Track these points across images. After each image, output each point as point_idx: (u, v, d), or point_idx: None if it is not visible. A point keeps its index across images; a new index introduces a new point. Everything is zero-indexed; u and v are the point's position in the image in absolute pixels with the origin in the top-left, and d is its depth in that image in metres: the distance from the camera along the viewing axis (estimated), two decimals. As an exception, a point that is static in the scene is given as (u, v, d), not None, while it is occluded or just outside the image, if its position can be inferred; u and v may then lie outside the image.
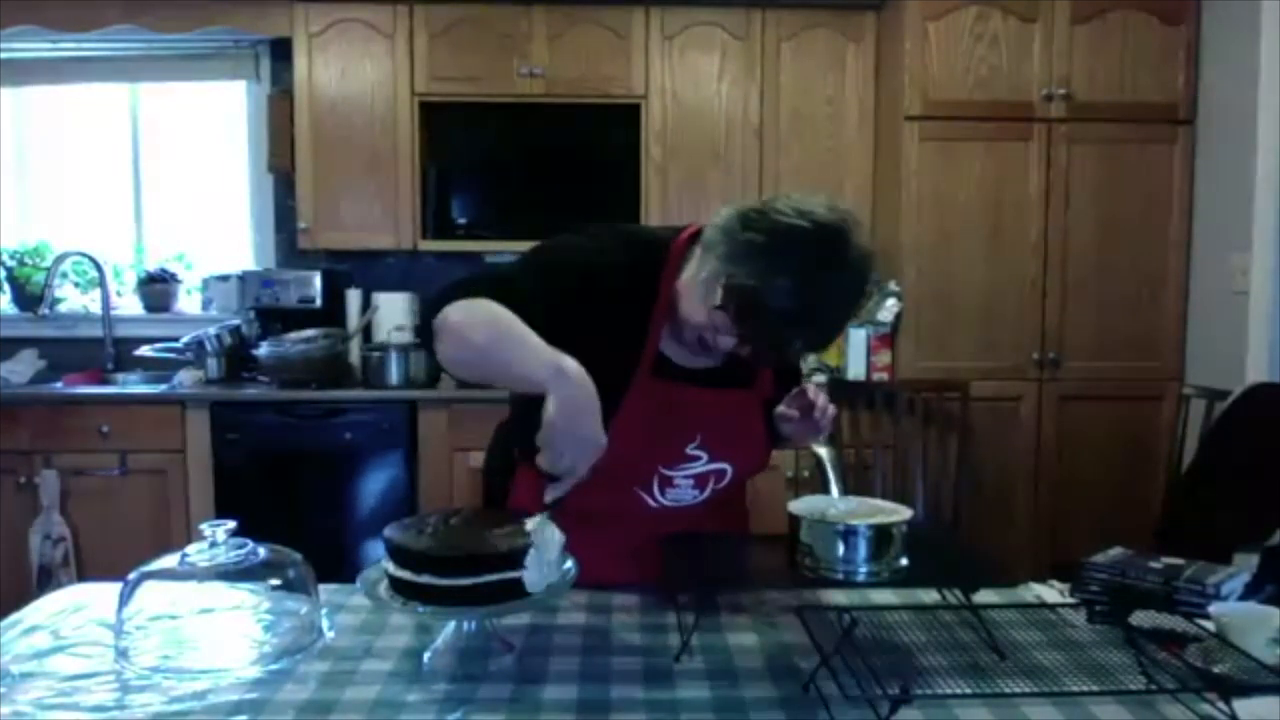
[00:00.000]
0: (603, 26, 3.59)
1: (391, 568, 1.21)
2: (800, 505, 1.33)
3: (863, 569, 1.27)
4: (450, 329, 1.30)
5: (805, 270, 1.24)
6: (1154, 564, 1.48)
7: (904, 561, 1.29)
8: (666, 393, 1.43)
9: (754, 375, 1.50)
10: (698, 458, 1.47)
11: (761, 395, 1.51)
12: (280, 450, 3.38)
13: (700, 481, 1.49)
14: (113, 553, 3.30)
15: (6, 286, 3.96)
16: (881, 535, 1.27)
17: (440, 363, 1.35)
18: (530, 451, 1.37)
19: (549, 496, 1.23)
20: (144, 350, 3.67)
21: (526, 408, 1.52)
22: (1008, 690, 1.14)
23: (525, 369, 1.22)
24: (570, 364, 1.20)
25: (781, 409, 1.44)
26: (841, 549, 1.27)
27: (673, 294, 1.41)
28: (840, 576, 1.28)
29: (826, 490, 1.37)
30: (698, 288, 1.34)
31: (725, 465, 1.49)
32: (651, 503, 1.48)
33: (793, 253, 1.25)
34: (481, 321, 1.28)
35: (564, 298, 1.34)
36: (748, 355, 1.36)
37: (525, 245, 1.50)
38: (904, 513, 1.32)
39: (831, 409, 1.41)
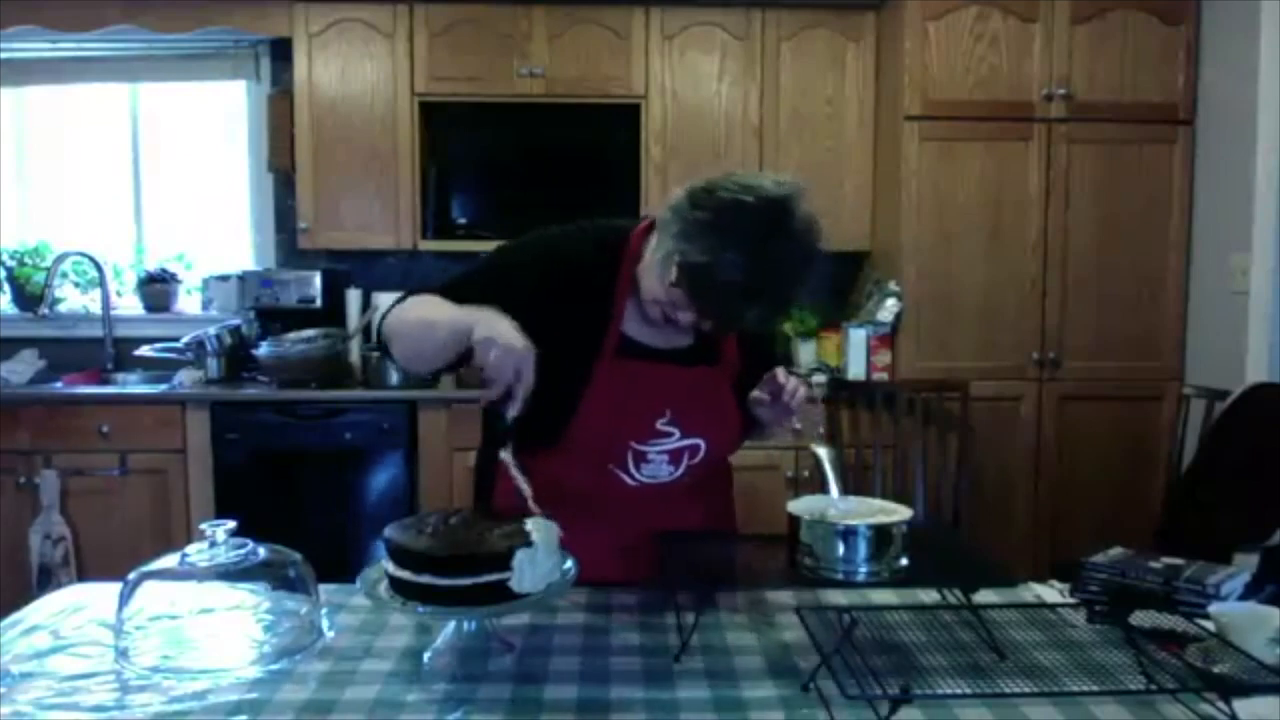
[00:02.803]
0: (603, 26, 3.59)
1: (391, 568, 1.21)
2: (800, 505, 1.33)
3: (863, 569, 1.27)
4: (392, 330, 1.46)
5: (752, 244, 1.29)
6: (1154, 564, 1.48)
7: (904, 561, 1.29)
8: (632, 371, 1.48)
9: (720, 353, 1.54)
10: (669, 434, 1.50)
11: (728, 373, 1.55)
12: (280, 450, 3.38)
13: (674, 457, 1.52)
14: (113, 553, 3.31)
15: (6, 286, 3.96)
16: (881, 535, 1.27)
17: (399, 365, 1.52)
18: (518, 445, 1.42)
19: (511, 413, 1.28)
20: (144, 350, 3.67)
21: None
22: (1008, 690, 1.14)
23: (452, 325, 1.33)
24: (486, 310, 1.31)
25: (755, 394, 1.46)
26: (841, 549, 1.27)
27: (634, 275, 1.47)
28: (840, 576, 1.28)
29: (826, 490, 1.37)
30: (655, 266, 1.39)
31: (698, 440, 1.52)
32: (630, 481, 1.51)
33: (739, 228, 1.30)
34: (413, 309, 1.45)
35: (525, 290, 1.43)
36: (708, 329, 1.41)
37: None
38: (904, 513, 1.32)
39: (802, 391, 1.43)
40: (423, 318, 1.41)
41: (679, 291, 1.35)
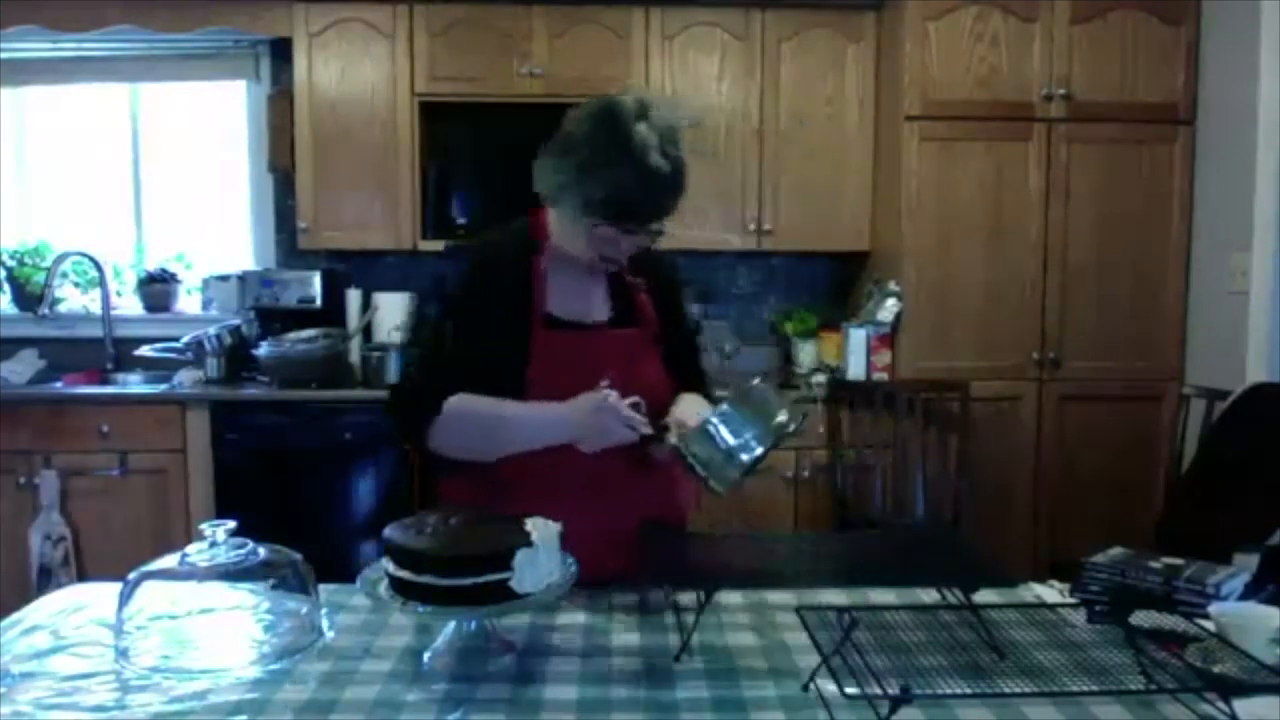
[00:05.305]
0: (603, 26, 3.59)
1: (391, 568, 1.22)
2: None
3: (753, 442, 1.33)
4: (454, 436, 1.56)
5: (627, 148, 1.45)
6: (1154, 564, 1.48)
7: (791, 426, 1.36)
8: (565, 341, 1.60)
9: (638, 316, 1.66)
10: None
11: (650, 332, 1.66)
12: (280, 450, 3.37)
13: None
14: (113, 553, 3.30)
15: (6, 286, 3.96)
16: (744, 398, 1.35)
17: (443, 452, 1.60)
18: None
19: (646, 432, 1.44)
20: (144, 350, 3.67)
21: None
22: (1008, 690, 1.14)
23: (550, 434, 1.49)
24: (562, 410, 1.48)
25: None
26: (724, 436, 1.33)
27: (553, 251, 1.60)
28: (745, 460, 1.33)
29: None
30: (572, 230, 1.55)
31: (637, 399, 1.55)
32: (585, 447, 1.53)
33: (608, 145, 1.46)
34: (469, 411, 1.54)
35: (464, 300, 1.61)
36: (655, 234, 1.56)
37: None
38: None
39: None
40: (501, 427, 1.52)
41: (605, 229, 1.50)
